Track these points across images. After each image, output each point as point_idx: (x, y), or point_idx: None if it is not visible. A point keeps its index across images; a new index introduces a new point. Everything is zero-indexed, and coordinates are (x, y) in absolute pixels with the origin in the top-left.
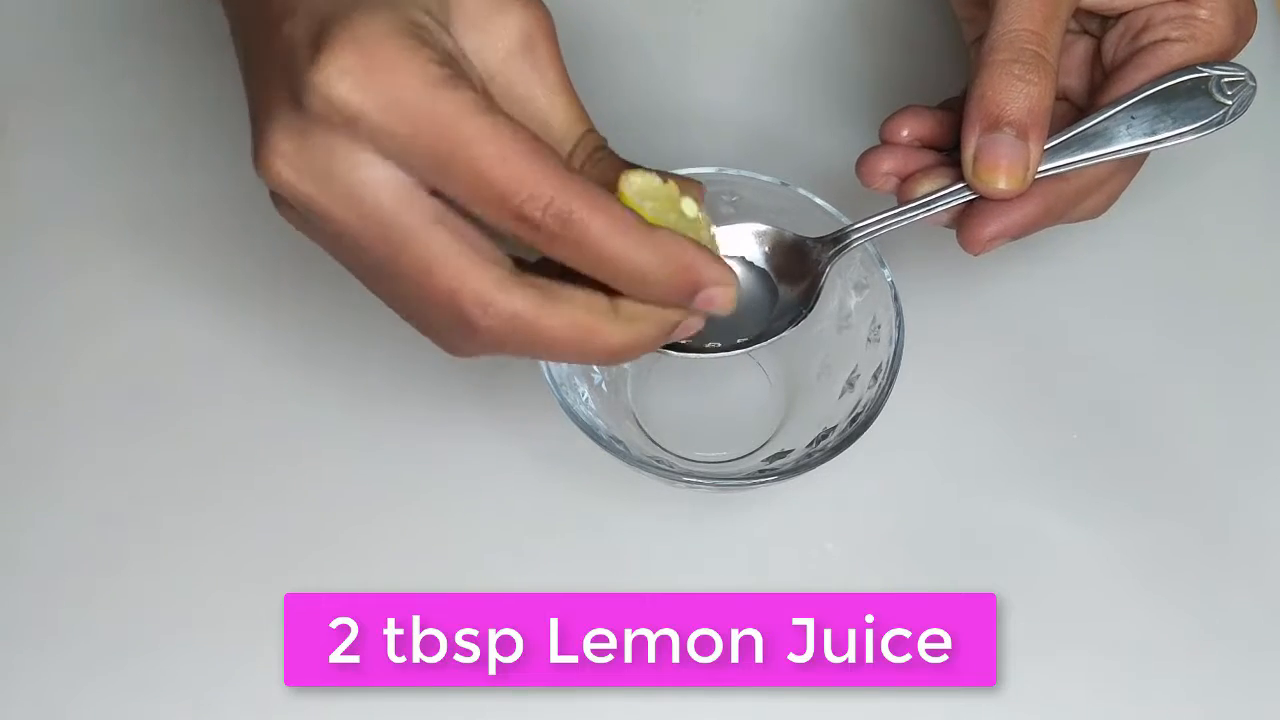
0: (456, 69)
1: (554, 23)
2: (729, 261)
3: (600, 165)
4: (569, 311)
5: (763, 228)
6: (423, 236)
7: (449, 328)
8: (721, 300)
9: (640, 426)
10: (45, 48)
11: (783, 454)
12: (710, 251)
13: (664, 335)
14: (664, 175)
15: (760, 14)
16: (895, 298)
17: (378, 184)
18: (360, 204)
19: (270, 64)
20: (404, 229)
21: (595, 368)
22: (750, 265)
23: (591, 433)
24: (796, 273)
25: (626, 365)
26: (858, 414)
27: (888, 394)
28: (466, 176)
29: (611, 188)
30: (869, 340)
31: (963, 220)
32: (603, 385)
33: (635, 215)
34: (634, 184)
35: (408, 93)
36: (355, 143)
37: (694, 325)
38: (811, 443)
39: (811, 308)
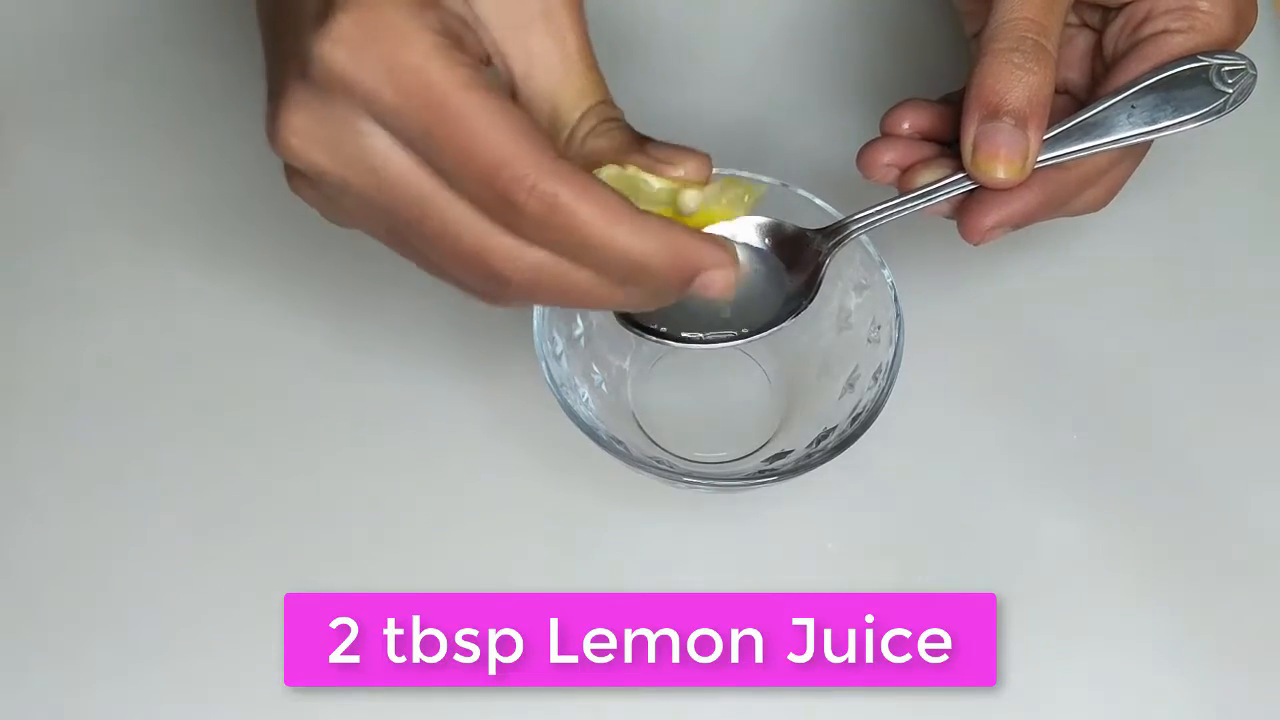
0: (456, 40)
1: None
2: (736, 246)
3: (605, 138)
4: (590, 272)
5: (763, 220)
6: (441, 201)
7: (483, 283)
8: (721, 284)
9: (640, 427)
10: (45, 47)
11: (783, 454)
12: (707, 234)
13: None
14: (662, 156)
15: (759, 13)
16: (895, 298)
17: (386, 151)
18: (374, 171)
19: (284, 37)
20: (421, 194)
21: (596, 368)
22: (760, 254)
23: (592, 433)
24: (797, 264)
25: (626, 366)
26: (858, 414)
27: (888, 394)
28: (452, 151)
29: (615, 161)
30: (869, 341)
31: (963, 210)
32: (603, 386)
33: (625, 201)
34: (606, 173)
35: (400, 62)
36: (357, 111)
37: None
38: (811, 443)
39: (812, 298)
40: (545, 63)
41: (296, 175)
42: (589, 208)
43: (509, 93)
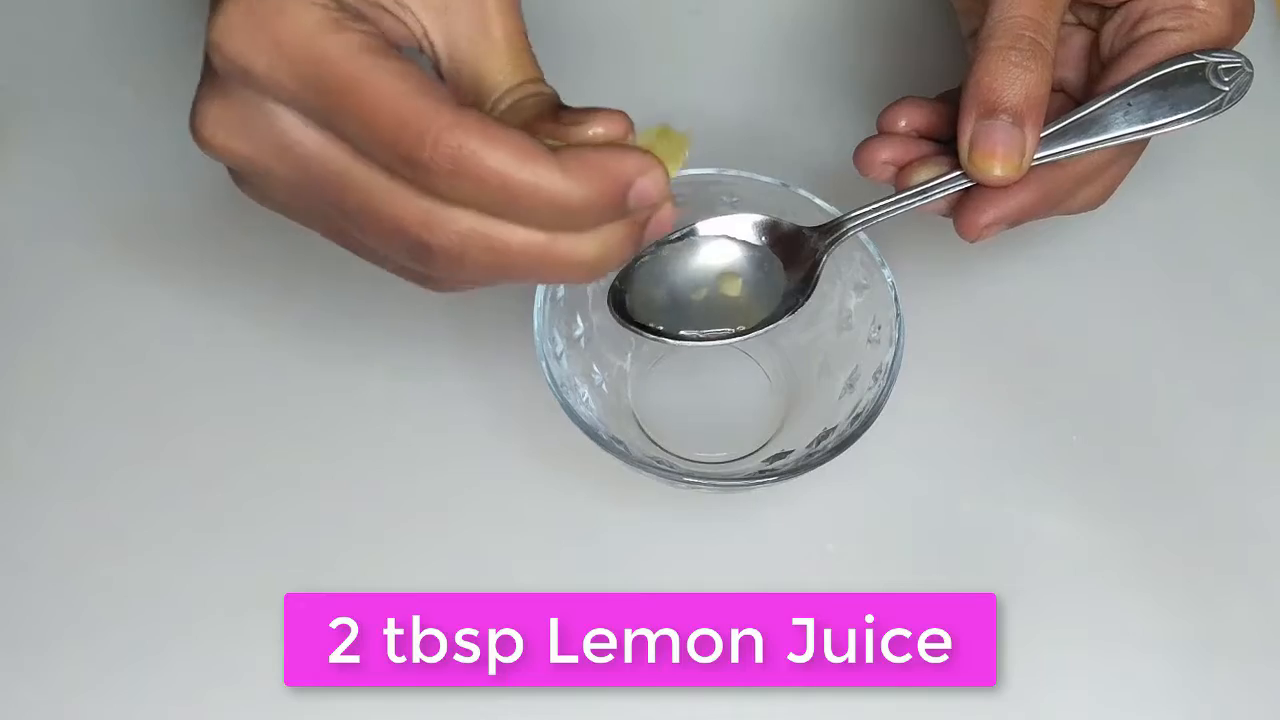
0: (354, 14)
1: None
2: (735, 245)
3: (521, 111)
4: (521, 228)
5: (760, 218)
6: (355, 172)
7: (410, 258)
8: (655, 190)
9: (640, 427)
10: (44, 53)
11: (783, 454)
12: (621, 146)
13: (632, 240)
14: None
15: (758, 13)
16: (895, 298)
17: (295, 130)
18: (287, 151)
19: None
20: (335, 169)
21: (596, 368)
22: (757, 252)
23: (592, 433)
24: (794, 261)
25: (627, 366)
26: (858, 414)
27: (888, 394)
28: (353, 119)
29: (532, 130)
30: (869, 341)
31: (959, 207)
32: (603, 386)
33: (536, 141)
34: None
35: (289, 40)
36: (260, 95)
37: (665, 220)
38: (812, 443)
39: (809, 295)
40: (467, 44)
41: (233, 172)
42: (499, 152)
43: (434, 74)
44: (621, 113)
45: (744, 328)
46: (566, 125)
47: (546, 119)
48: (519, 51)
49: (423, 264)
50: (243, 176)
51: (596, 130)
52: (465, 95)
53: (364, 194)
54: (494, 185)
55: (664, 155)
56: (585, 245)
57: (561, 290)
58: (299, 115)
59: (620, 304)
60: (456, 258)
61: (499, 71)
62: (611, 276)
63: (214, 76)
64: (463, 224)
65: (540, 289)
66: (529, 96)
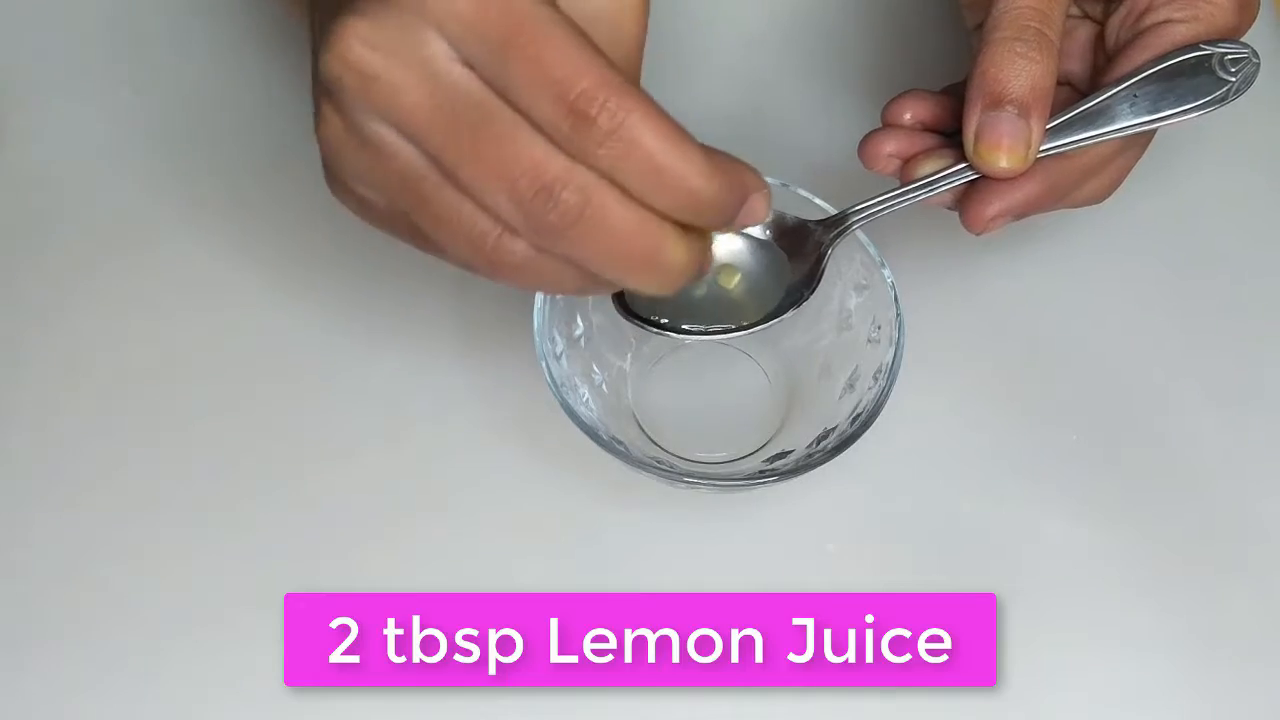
0: None
1: None
2: (739, 240)
3: None
4: (642, 208)
5: None
6: (499, 112)
7: (521, 205)
8: (760, 210)
9: (641, 427)
10: (45, 47)
11: (783, 454)
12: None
13: (707, 261)
14: None
15: (758, 9)
16: (895, 298)
17: (448, 61)
18: (432, 79)
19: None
20: (477, 103)
21: (596, 368)
22: (762, 246)
23: (592, 433)
24: (799, 255)
25: (627, 366)
26: (858, 414)
27: (888, 394)
28: (527, 64)
29: None
30: (869, 341)
31: (965, 200)
32: (603, 386)
33: (686, 132)
34: None
35: None
36: (426, 21)
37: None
38: (812, 443)
39: (814, 288)
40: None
41: (331, 96)
42: (660, 125)
43: None
44: None
45: (748, 322)
46: None
47: None
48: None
49: (533, 216)
50: (349, 97)
51: None
52: None
53: (504, 133)
54: (643, 156)
55: None
56: (679, 247)
57: None
58: (456, 48)
59: (623, 299)
60: (574, 216)
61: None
62: None
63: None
64: (592, 185)
65: None
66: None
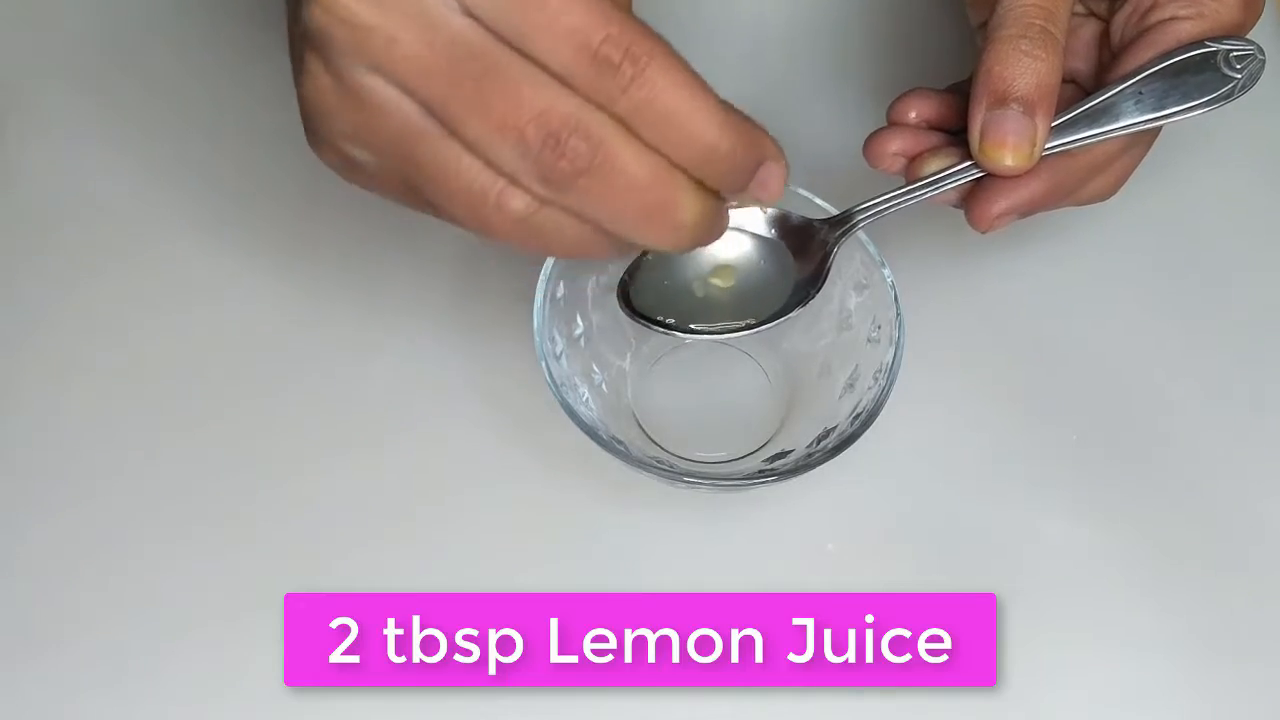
0: None
1: None
2: (745, 238)
3: None
4: (656, 157)
5: (769, 211)
6: (508, 60)
7: (529, 153)
8: (776, 182)
9: (640, 427)
10: (46, 44)
11: (783, 454)
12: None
13: (721, 225)
14: None
15: (762, 9)
16: (895, 298)
17: (450, 8)
18: (433, 28)
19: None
20: (481, 49)
21: (596, 368)
22: (767, 245)
23: (592, 433)
24: (804, 254)
25: (626, 366)
26: (858, 414)
27: (888, 394)
28: (541, 11)
29: None
30: (869, 340)
31: (970, 198)
32: (603, 385)
33: (704, 82)
34: None
35: None
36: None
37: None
38: (812, 443)
39: (820, 287)
40: None
41: (317, 49)
42: (681, 74)
43: None
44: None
45: (754, 321)
46: None
47: None
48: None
49: (541, 164)
50: (344, 51)
51: None
52: None
53: (510, 81)
54: (662, 102)
55: None
56: (693, 202)
57: (561, 289)
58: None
59: (628, 298)
60: (584, 163)
61: None
62: (619, 271)
63: (316, 52)
64: (606, 130)
65: (540, 288)
66: None
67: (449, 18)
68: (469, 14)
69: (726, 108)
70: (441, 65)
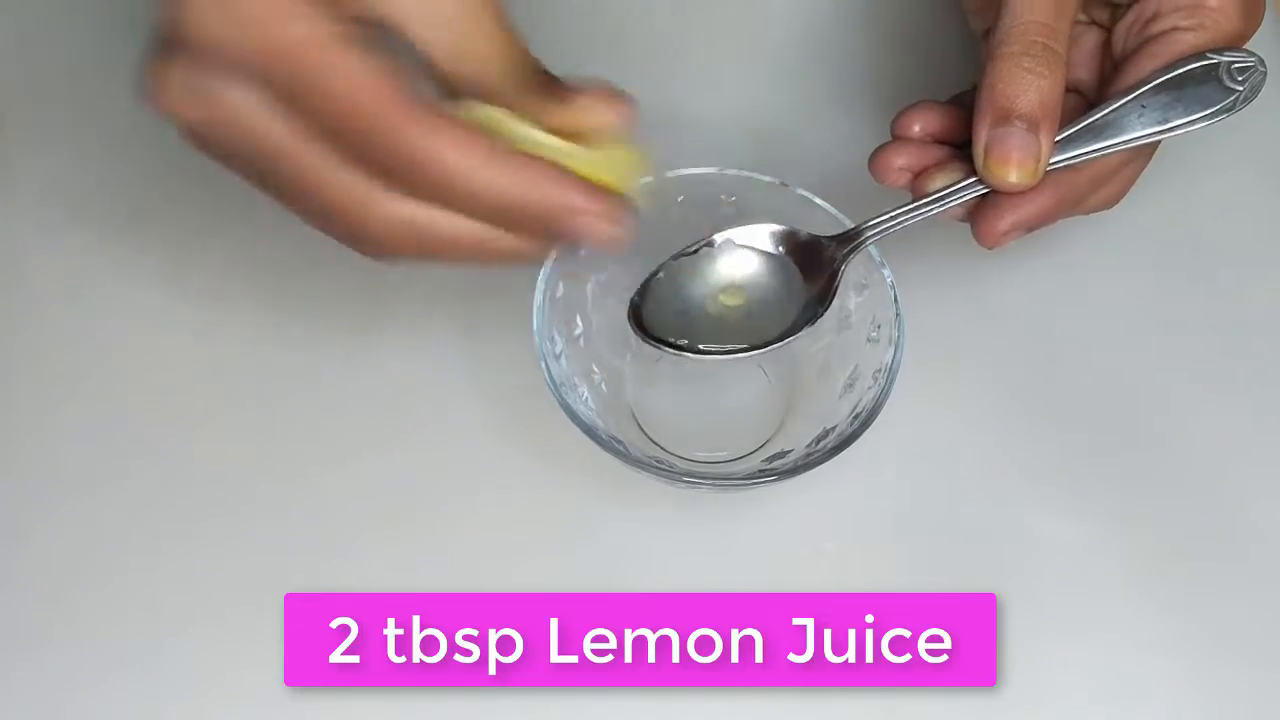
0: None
1: None
2: (753, 256)
3: (506, 81)
4: (459, 220)
5: (777, 228)
6: (303, 153)
7: (346, 235)
8: (598, 233)
9: (640, 426)
10: (44, 48)
11: (783, 454)
12: (585, 182)
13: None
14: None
15: (757, 11)
16: (895, 298)
17: (250, 105)
18: (240, 126)
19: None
20: (284, 148)
21: (595, 368)
22: (775, 262)
23: (591, 433)
24: (812, 271)
25: (626, 366)
26: (858, 414)
27: (888, 394)
28: (316, 108)
29: (518, 106)
30: (869, 340)
31: (977, 214)
32: (603, 385)
33: (493, 144)
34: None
35: (262, 22)
36: (226, 70)
37: (614, 244)
38: (811, 443)
39: (828, 306)
40: (471, 42)
41: (181, 131)
42: (454, 153)
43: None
44: (610, 92)
45: (763, 340)
46: (557, 102)
47: (534, 92)
48: (510, 37)
49: (354, 244)
50: (191, 137)
51: (586, 108)
52: (446, 72)
53: (310, 173)
54: (446, 185)
55: (615, 173)
56: (518, 244)
57: (561, 289)
58: (257, 92)
59: (640, 319)
60: (388, 243)
61: (484, 42)
62: (619, 271)
63: (172, 44)
64: (402, 212)
65: (540, 288)
66: (513, 67)
67: (257, 110)
68: (277, 106)
69: (515, 168)
70: (256, 155)
